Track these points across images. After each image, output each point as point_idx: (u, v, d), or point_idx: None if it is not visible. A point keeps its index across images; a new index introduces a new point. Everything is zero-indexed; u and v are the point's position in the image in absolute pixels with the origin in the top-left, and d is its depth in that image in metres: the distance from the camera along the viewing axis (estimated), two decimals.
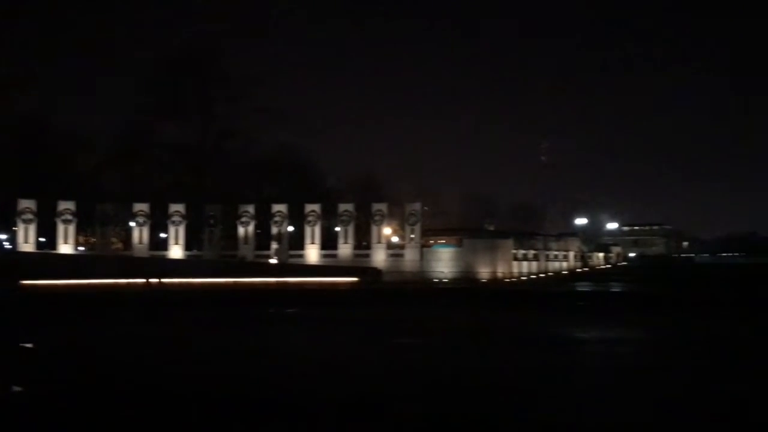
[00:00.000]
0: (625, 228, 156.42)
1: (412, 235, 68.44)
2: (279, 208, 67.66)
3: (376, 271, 60.41)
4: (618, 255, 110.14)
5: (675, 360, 18.41)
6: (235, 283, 49.42)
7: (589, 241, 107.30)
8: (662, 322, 28.69)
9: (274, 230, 66.87)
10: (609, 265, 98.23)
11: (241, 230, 67.12)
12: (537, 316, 31.96)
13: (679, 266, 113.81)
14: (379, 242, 68.00)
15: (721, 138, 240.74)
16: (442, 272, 63.82)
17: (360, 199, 76.12)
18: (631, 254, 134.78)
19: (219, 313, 32.98)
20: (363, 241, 73.58)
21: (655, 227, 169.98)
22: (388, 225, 72.81)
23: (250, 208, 67.90)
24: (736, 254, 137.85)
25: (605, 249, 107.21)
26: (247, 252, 66.26)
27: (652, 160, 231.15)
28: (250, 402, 12.53)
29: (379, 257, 66.54)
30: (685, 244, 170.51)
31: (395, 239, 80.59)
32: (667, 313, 32.68)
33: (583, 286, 58.06)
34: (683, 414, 11.82)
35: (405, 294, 45.87)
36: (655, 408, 12.07)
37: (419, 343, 21.75)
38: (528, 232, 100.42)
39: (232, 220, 67.63)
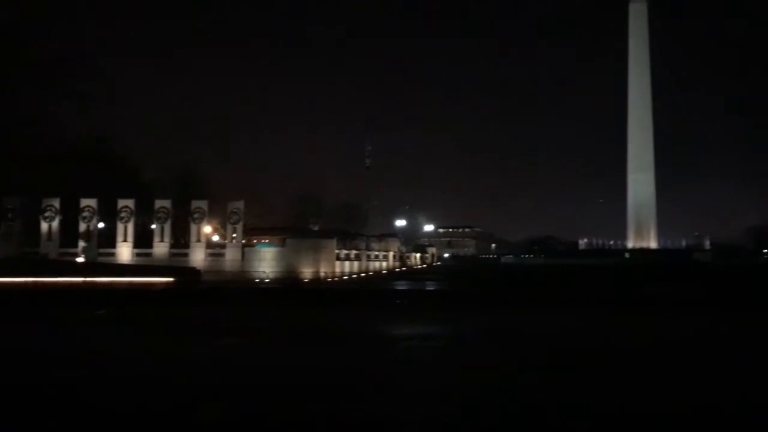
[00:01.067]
0: (441, 230, 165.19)
1: (234, 235, 67.06)
2: (88, 202, 63.31)
3: (194, 271, 58.33)
4: (433, 255, 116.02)
5: (476, 354, 19.67)
6: (35, 283, 45.17)
7: (407, 241, 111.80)
8: (467, 318, 30.46)
9: (83, 227, 62.32)
10: (425, 265, 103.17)
11: (44, 225, 61.78)
12: (354, 313, 32.58)
13: (486, 266, 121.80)
14: (199, 241, 65.87)
15: (523, 149, 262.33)
16: (264, 272, 63.15)
17: (179, 196, 73.22)
18: (446, 254, 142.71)
19: (10, 315, 29.99)
20: (181, 240, 70.83)
21: (467, 230, 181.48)
22: (209, 223, 70.76)
23: (56, 202, 62.73)
24: (536, 255, 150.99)
25: (422, 249, 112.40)
26: (50, 249, 61.13)
27: (466, 165, 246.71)
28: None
29: (198, 257, 64.47)
30: (494, 245, 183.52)
31: (216, 238, 78.49)
32: (472, 309, 34.72)
33: (401, 285, 60.14)
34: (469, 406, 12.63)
35: (223, 294, 44.68)
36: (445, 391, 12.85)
37: (235, 343, 21.29)
38: (352, 233, 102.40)
39: (34, 214, 62.02)
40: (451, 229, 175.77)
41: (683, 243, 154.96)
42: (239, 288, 49.88)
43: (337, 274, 68.47)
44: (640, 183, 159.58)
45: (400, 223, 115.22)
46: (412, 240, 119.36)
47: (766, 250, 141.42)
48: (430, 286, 58.47)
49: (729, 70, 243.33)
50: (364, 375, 16.16)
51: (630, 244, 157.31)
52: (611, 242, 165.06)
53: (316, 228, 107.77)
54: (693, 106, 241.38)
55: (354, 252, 78.18)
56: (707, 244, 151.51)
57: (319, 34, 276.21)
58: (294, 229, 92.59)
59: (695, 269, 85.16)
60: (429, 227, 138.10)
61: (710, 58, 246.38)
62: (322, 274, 65.30)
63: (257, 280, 60.11)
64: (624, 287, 52.35)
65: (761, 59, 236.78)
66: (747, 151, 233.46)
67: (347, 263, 73.56)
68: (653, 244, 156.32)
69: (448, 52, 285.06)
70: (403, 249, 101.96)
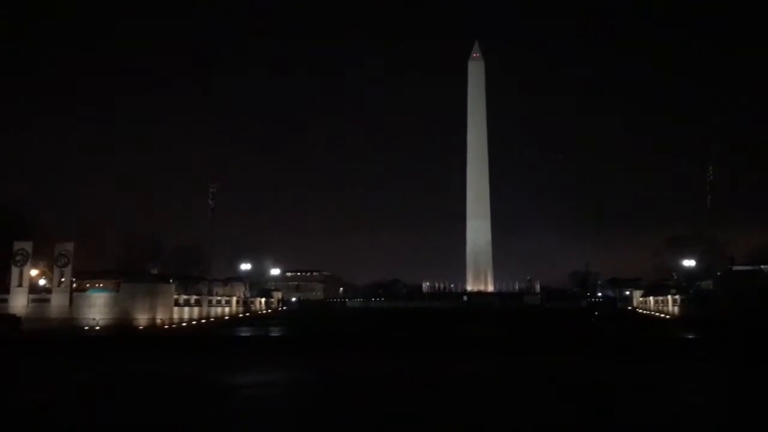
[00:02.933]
0: (288, 273, 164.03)
1: (62, 278, 62.65)
2: None
3: (13, 319, 53.63)
4: (279, 300, 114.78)
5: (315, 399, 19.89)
6: None
7: (253, 286, 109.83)
8: (311, 364, 30.57)
9: None
10: (270, 310, 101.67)
11: None
12: (193, 362, 31.58)
13: (332, 310, 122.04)
14: (20, 285, 60.86)
15: (372, 194, 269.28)
16: (94, 319, 59.33)
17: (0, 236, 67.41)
18: (293, 299, 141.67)
19: None
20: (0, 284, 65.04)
21: (315, 273, 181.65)
22: (34, 266, 65.64)
23: None
24: (382, 299, 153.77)
25: (267, 294, 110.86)
26: None
27: (314, 208, 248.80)
28: None
29: (19, 303, 59.47)
30: (342, 289, 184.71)
31: (43, 282, 72.88)
32: (318, 355, 34.88)
33: (243, 332, 58.96)
34: None
35: (43, 344, 41.48)
36: None
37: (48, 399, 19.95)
38: (194, 277, 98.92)
39: None
40: (299, 273, 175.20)
41: (516, 286, 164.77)
42: (60, 337, 46.57)
43: (176, 320, 65.77)
44: (478, 230, 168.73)
45: (246, 266, 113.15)
46: (258, 284, 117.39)
47: (589, 293, 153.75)
48: (274, 332, 57.92)
49: (555, 129, 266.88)
50: None
51: (469, 287, 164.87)
52: (452, 285, 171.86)
53: (154, 272, 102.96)
54: (525, 160, 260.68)
55: (195, 297, 75.60)
56: (537, 287, 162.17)
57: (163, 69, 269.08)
58: (130, 272, 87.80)
59: (524, 311, 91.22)
60: (276, 271, 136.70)
61: (541, 117, 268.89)
62: (158, 321, 62.45)
63: (86, 328, 56.35)
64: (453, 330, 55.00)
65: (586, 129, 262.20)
66: (572, 201, 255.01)
67: (187, 309, 70.92)
68: (490, 288, 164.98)
69: (295, 87, 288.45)
70: (248, 294, 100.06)
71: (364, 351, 36.20)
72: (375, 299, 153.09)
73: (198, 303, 74.89)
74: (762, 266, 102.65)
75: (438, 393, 21.26)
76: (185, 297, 72.85)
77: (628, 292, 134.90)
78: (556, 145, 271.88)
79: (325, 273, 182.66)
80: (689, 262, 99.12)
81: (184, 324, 66.14)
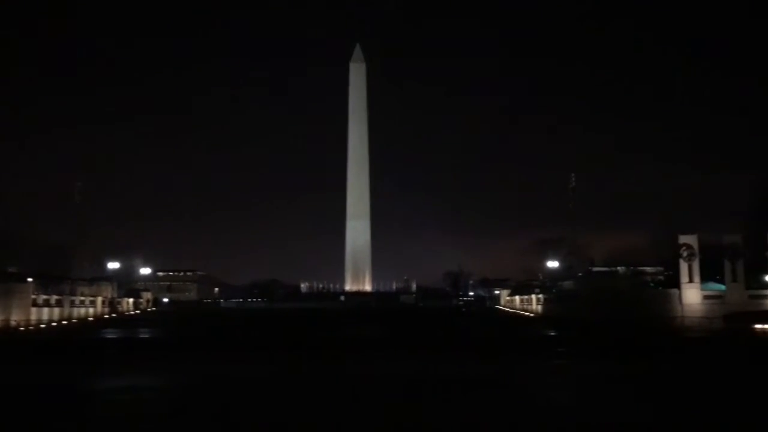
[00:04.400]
0: (160, 273, 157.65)
1: None
2: None
3: None
4: (148, 301, 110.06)
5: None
6: None
7: (121, 285, 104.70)
8: (179, 368, 29.68)
9: None
10: (138, 311, 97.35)
11: None
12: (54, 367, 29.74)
13: (205, 312, 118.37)
14: None
15: (249, 192, 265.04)
16: None
17: None
18: (165, 299, 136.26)
19: None
20: None
21: (189, 273, 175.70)
22: None
23: None
24: (259, 299, 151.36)
25: (136, 294, 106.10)
26: None
27: (189, 206, 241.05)
28: None
29: None
30: (217, 290, 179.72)
31: None
32: (186, 359, 33.88)
33: (110, 334, 56.21)
34: None
35: None
36: None
37: None
38: (55, 276, 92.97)
39: None
40: (171, 273, 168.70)
41: (393, 286, 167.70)
42: None
43: (33, 322, 61.59)
44: (357, 230, 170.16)
45: (114, 265, 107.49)
46: (127, 284, 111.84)
47: (461, 293, 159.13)
48: (143, 334, 55.64)
49: (436, 130, 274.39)
50: None
51: (347, 288, 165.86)
52: (331, 285, 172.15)
53: (13, 270, 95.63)
54: (406, 162, 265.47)
55: (55, 297, 71.12)
56: (414, 287, 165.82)
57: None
58: None
59: (398, 310, 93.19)
60: (146, 270, 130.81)
61: (423, 115, 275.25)
62: (12, 323, 58.21)
63: None
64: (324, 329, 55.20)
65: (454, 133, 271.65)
66: (446, 203, 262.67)
67: (47, 310, 66.61)
68: (368, 288, 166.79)
69: (177, 82, 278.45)
70: (115, 294, 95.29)
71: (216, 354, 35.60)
72: (252, 300, 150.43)
73: (59, 303, 70.56)
74: (618, 267, 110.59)
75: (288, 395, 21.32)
76: (45, 297, 68.41)
77: (497, 292, 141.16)
78: (437, 146, 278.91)
79: (199, 273, 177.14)
80: (553, 264, 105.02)
81: (42, 326, 62.06)
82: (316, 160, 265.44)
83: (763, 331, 46.76)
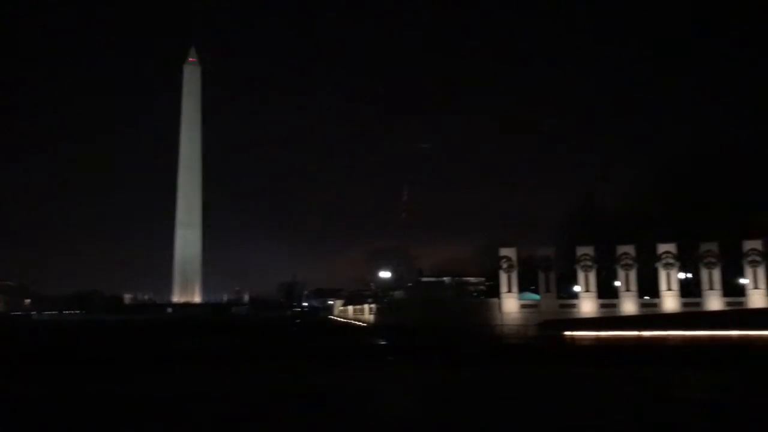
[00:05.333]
0: None
1: None
2: None
3: None
4: None
5: None
6: None
7: None
8: None
9: None
10: None
11: None
12: None
13: (14, 325, 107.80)
14: None
15: (63, 198, 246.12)
16: None
17: None
18: None
19: None
20: None
21: None
22: None
23: None
24: (77, 311, 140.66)
25: None
26: None
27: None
28: None
29: None
30: (28, 301, 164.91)
31: None
32: None
33: None
34: None
35: None
36: None
37: None
38: None
39: None
40: None
41: (225, 297, 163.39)
42: None
43: None
44: (188, 239, 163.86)
45: None
46: None
47: (295, 303, 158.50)
48: None
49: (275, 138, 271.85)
50: None
51: (175, 299, 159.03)
52: (157, 297, 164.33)
53: None
54: (240, 172, 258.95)
55: None
56: (246, 298, 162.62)
57: None
58: None
59: (229, 322, 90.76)
60: None
61: (260, 122, 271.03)
62: None
63: None
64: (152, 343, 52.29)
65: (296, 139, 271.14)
66: (280, 213, 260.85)
67: None
68: (197, 299, 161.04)
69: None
70: None
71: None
72: (69, 312, 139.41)
73: None
74: (445, 278, 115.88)
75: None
76: None
77: (331, 302, 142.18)
78: (272, 156, 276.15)
79: (8, 283, 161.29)
80: (385, 274, 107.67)
81: None
82: (146, 165, 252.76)
83: (571, 337, 50.91)
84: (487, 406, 21.07)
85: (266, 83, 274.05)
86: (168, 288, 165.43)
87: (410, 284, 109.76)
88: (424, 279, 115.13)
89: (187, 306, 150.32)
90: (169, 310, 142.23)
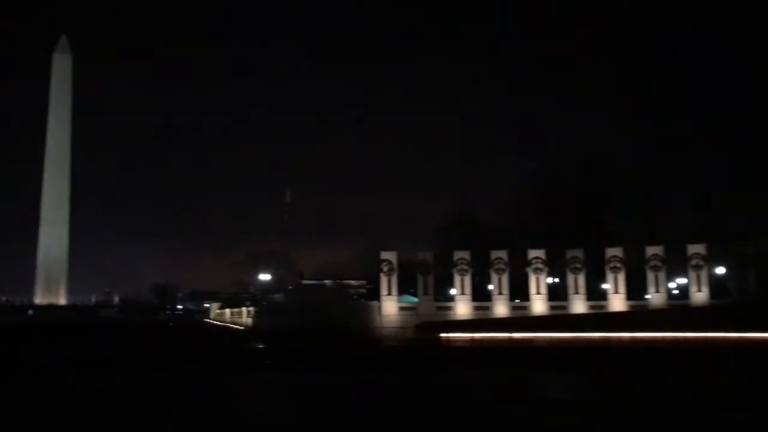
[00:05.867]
0: None
1: None
2: None
3: None
4: None
5: None
6: None
7: None
8: None
9: None
10: None
11: None
12: None
13: None
14: None
15: None
16: None
17: None
18: None
19: None
20: None
21: None
22: None
23: None
24: None
25: None
26: None
27: None
28: None
29: None
30: None
31: None
32: None
33: None
34: None
35: None
36: None
37: None
38: None
39: None
40: None
41: (93, 299, 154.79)
42: None
43: None
44: (53, 237, 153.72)
45: None
46: None
47: (169, 306, 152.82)
48: None
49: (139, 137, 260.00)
50: None
51: (37, 300, 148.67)
52: (16, 298, 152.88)
53: None
54: (111, 169, 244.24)
55: None
56: (116, 300, 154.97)
57: None
58: None
59: (96, 325, 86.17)
60: None
61: (132, 116, 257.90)
62: None
63: None
64: None
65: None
66: (155, 213, 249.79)
67: None
68: (63, 301, 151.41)
69: None
70: None
71: None
72: None
73: None
74: (326, 281, 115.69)
75: None
76: None
77: (207, 305, 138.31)
78: (146, 154, 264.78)
79: None
80: (265, 277, 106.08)
81: None
82: (8, 157, 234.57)
83: (447, 339, 52.38)
84: (352, 408, 21.31)
85: (144, 77, 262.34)
86: (29, 289, 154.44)
87: (290, 287, 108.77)
88: (305, 282, 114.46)
89: (51, 308, 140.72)
90: (30, 312, 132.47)
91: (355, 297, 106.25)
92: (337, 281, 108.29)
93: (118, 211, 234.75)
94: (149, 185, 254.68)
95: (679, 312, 61.66)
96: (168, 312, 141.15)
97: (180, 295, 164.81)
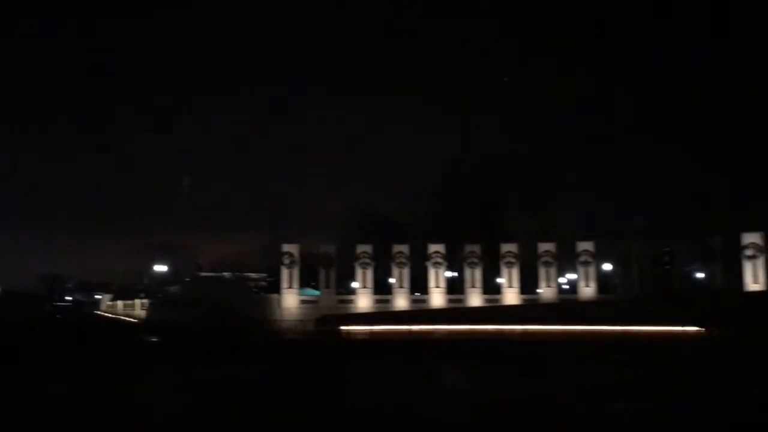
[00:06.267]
0: None
1: None
2: None
3: None
4: None
5: None
6: None
7: None
8: None
9: None
10: None
11: None
12: None
13: None
14: None
15: None
16: None
17: None
18: None
19: None
20: None
21: None
22: None
23: None
24: None
25: None
26: None
27: None
28: None
29: None
30: None
31: None
32: None
33: None
34: None
35: None
36: None
37: None
38: None
39: None
40: None
41: None
42: None
43: None
44: None
45: None
46: None
47: (57, 297, 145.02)
48: None
49: None
50: None
51: None
52: None
53: None
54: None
55: None
56: None
57: None
58: None
59: None
60: None
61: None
62: None
63: None
64: None
65: None
66: (36, 198, 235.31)
67: None
68: None
69: None
70: None
71: None
72: None
73: None
74: (225, 273, 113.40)
75: None
76: None
77: (98, 296, 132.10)
78: (42, 141, 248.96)
79: None
80: (161, 268, 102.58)
81: None
82: None
83: (347, 332, 52.57)
84: (243, 401, 21.13)
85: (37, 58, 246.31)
86: None
87: (187, 279, 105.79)
88: (203, 274, 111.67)
89: None
90: None
91: (255, 290, 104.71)
92: (237, 274, 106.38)
93: (3, 198, 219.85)
94: (37, 172, 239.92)
95: (568, 306, 64.59)
96: (56, 304, 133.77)
97: (69, 285, 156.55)
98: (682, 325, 45.95)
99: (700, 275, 72.68)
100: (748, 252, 61.82)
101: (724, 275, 64.97)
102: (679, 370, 31.14)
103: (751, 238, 62.27)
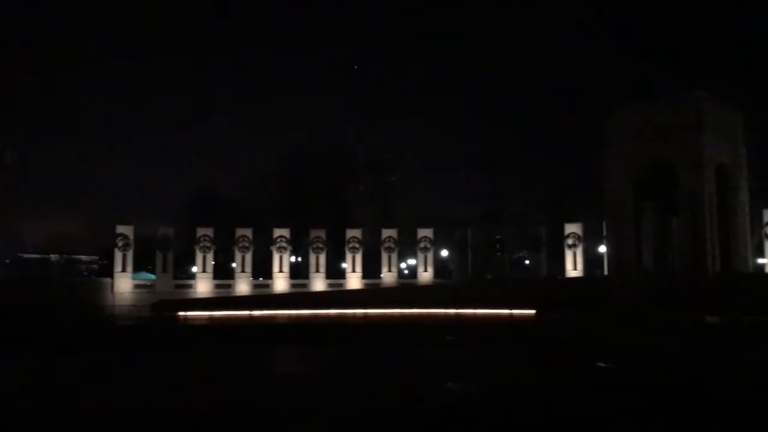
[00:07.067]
0: None
1: None
2: None
3: None
4: None
5: None
6: None
7: None
8: None
9: None
10: None
11: None
12: None
13: None
14: None
15: None
16: None
17: None
18: None
19: None
20: None
21: None
22: None
23: None
24: None
25: None
26: None
27: None
28: None
29: None
30: None
31: None
32: None
33: None
34: None
35: None
36: None
37: None
38: None
39: None
40: None
41: None
42: None
43: None
44: None
45: None
46: None
47: None
48: None
49: None
50: None
51: None
52: None
53: None
54: None
55: None
56: None
57: None
58: None
59: None
60: None
61: None
62: None
63: None
64: None
65: None
66: None
67: None
68: None
69: None
70: None
71: None
72: None
73: None
74: (51, 255, 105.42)
75: None
76: None
77: None
78: None
79: None
80: None
81: None
82: None
83: (184, 317, 50.83)
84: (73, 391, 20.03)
85: None
86: None
87: (9, 261, 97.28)
88: (27, 256, 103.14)
89: None
90: None
91: (86, 273, 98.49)
92: (65, 256, 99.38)
93: None
94: None
95: (407, 290, 66.91)
96: None
97: None
98: (512, 308, 49.02)
99: (527, 262, 78.39)
100: (569, 241, 67.29)
101: (548, 262, 70.39)
102: (505, 350, 33.18)
103: (572, 228, 67.84)
